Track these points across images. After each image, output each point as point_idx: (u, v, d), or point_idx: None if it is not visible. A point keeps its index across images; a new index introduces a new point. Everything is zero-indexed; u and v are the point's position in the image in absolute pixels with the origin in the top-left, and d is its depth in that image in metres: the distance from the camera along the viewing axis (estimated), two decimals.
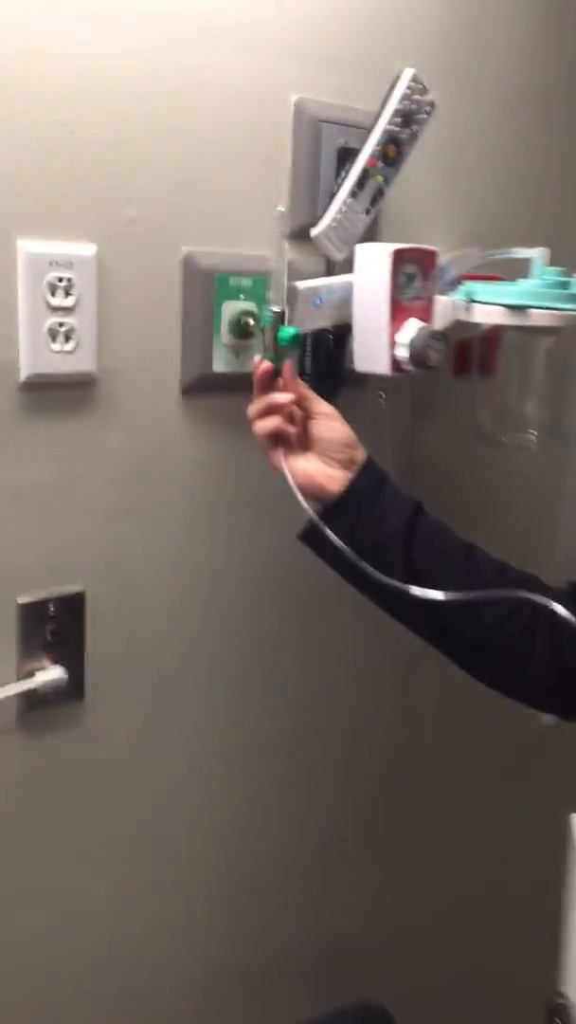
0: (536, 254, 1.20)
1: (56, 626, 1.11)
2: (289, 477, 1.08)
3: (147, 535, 1.18)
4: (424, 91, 1.19)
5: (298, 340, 1.09)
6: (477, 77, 1.39)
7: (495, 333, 1.33)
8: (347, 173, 1.18)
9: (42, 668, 1.11)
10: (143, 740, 1.23)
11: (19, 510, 1.07)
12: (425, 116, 1.21)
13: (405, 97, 1.17)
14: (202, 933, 1.36)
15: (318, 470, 1.09)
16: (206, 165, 1.13)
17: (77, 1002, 1.24)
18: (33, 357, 1.04)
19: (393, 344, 1.16)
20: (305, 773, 1.43)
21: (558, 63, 1.47)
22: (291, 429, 1.08)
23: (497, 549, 1.12)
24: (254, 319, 1.17)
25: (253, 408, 1.09)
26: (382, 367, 1.17)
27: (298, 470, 1.08)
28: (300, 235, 1.21)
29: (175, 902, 1.32)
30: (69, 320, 1.05)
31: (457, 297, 1.23)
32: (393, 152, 1.19)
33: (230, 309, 1.16)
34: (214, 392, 1.19)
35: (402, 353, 1.15)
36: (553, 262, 1.21)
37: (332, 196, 1.17)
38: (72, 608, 1.13)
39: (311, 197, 1.21)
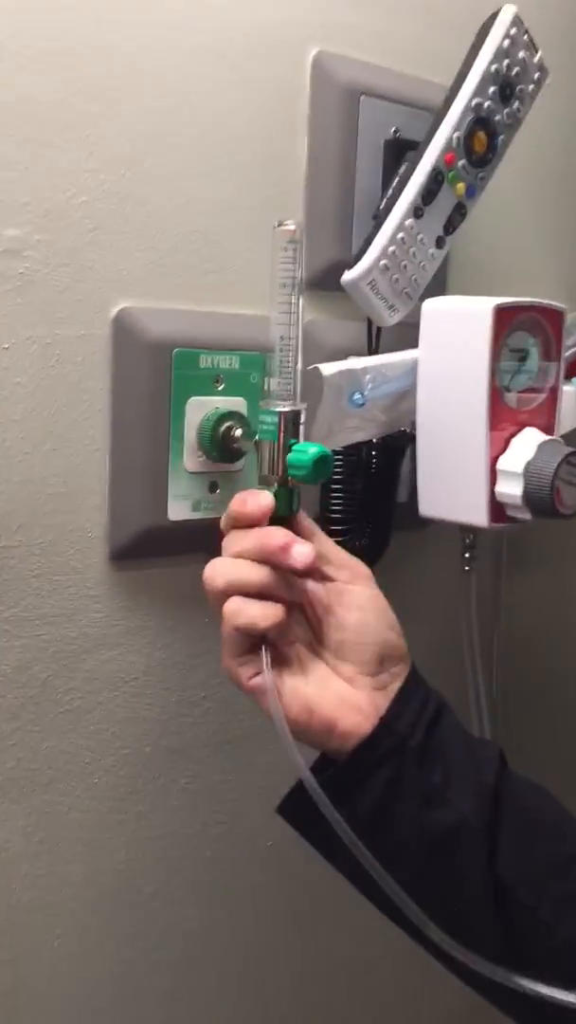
0: None
1: None
2: (273, 708, 0.57)
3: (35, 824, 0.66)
4: (532, 47, 0.72)
5: (325, 467, 0.59)
6: None
7: None
8: (403, 179, 0.69)
9: None
10: None
11: None
12: (534, 87, 0.73)
13: (503, 53, 0.69)
14: None
15: (331, 694, 0.59)
16: (154, 162, 0.64)
17: None
18: None
19: (494, 475, 0.66)
20: None
21: None
22: (281, 619, 0.57)
23: None
24: (243, 427, 0.67)
25: (224, 559, 0.59)
26: (473, 513, 0.67)
27: (293, 696, 0.59)
28: (324, 282, 0.72)
29: None
30: None
31: None
32: (483, 143, 0.71)
33: (200, 410, 0.67)
34: (170, 555, 0.69)
35: (510, 490, 0.65)
36: None
37: (377, 216, 0.69)
38: None
39: (342, 217, 0.73)
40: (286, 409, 0.59)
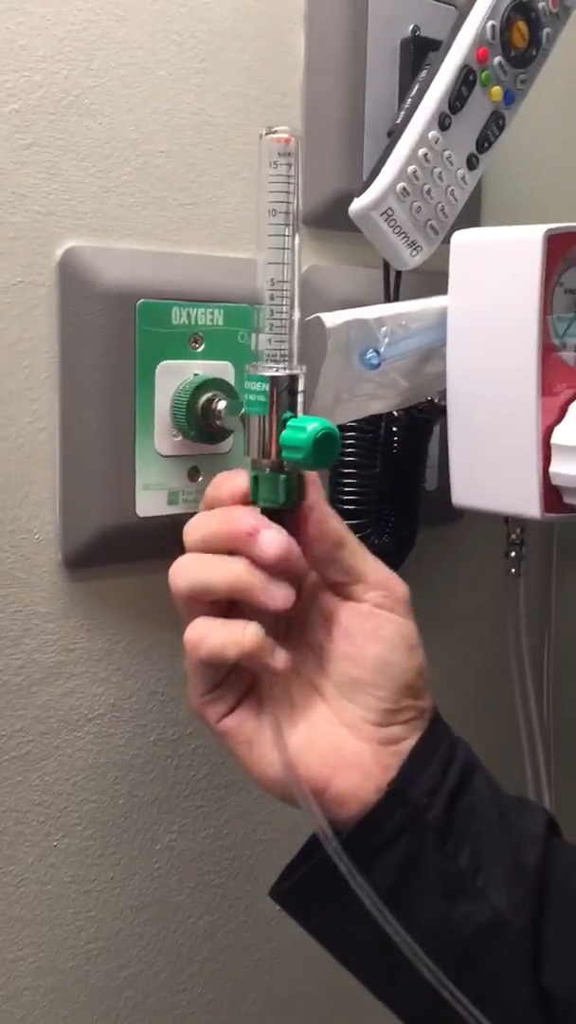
0: None
1: None
2: (284, 763, 0.46)
3: None
4: None
5: (330, 448, 0.46)
6: None
7: None
8: (424, 84, 0.56)
9: None
10: None
11: None
12: None
13: None
14: None
15: (324, 745, 0.47)
16: (106, 60, 0.51)
17: None
18: None
19: (547, 451, 0.52)
20: None
21: None
22: (257, 645, 0.45)
23: None
24: (228, 399, 0.54)
25: (189, 556, 0.47)
26: (522, 502, 0.53)
27: (269, 744, 0.47)
28: (328, 218, 0.59)
29: None
30: None
31: None
32: (524, 36, 0.57)
33: (173, 378, 0.54)
34: (140, 560, 0.56)
35: (570, 470, 0.52)
36: None
37: (393, 133, 0.56)
38: None
39: (349, 135, 0.59)
40: (279, 373, 0.46)
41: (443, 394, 0.59)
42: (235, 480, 0.46)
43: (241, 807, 0.63)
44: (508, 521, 0.63)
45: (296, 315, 0.47)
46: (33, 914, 0.55)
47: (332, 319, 0.51)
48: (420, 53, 0.60)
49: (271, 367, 0.46)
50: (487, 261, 0.53)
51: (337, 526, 0.48)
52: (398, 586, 0.49)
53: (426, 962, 0.45)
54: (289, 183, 0.46)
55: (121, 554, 0.55)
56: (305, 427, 0.45)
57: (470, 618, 0.75)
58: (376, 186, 0.54)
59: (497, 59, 0.56)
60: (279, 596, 0.45)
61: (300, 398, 0.47)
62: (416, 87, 0.57)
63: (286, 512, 0.46)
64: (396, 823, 0.46)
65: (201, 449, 0.55)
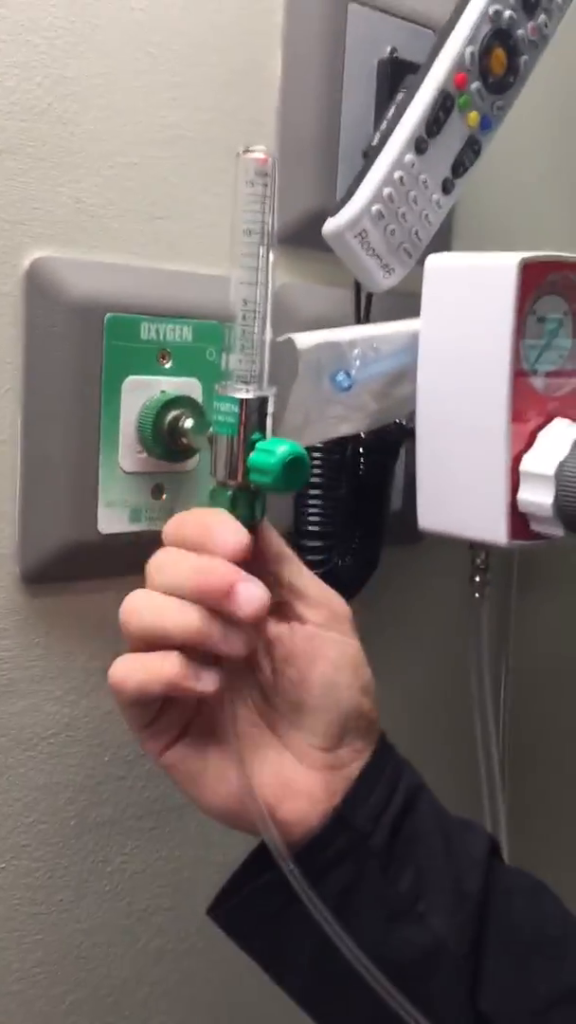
0: None
1: None
2: (245, 789, 0.46)
3: None
4: None
5: (299, 472, 0.45)
6: None
7: None
8: (401, 107, 0.56)
9: None
10: None
11: None
12: None
13: None
14: None
15: (270, 773, 0.47)
16: (79, 69, 0.51)
17: None
18: None
19: (515, 478, 0.53)
20: None
21: None
22: (181, 678, 0.44)
23: None
24: (195, 418, 0.53)
25: (146, 594, 0.45)
26: (488, 527, 0.54)
27: (218, 776, 0.47)
28: (301, 236, 0.59)
29: None
30: None
31: None
32: (502, 63, 0.58)
33: (140, 394, 0.53)
34: (101, 577, 0.55)
35: (537, 498, 0.52)
36: None
37: (369, 154, 0.56)
38: None
39: (324, 155, 0.59)
40: (248, 395, 0.46)
41: (411, 416, 0.59)
42: (236, 535, 0.44)
43: (195, 829, 0.63)
44: (473, 546, 0.63)
45: (268, 335, 0.47)
46: None
47: (304, 340, 0.51)
48: (397, 75, 0.60)
49: (241, 388, 0.46)
50: (461, 286, 0.53)
51: (279, 543, 0.48)
52: (339, 604, 0.49)
53: (376, 977, 0.45)
54: (265, 203, 0.46)
55: (81, 571, 0.54)
56: (274, 450, 0.45)
57: (430, 638, 0.75)
58: (350, 207, 0.54)
59: (475, 85, 0.56)
60: (239, 645, 0.44)
61: (269, 420, 0.47)
62: (393, 109, 0.57)
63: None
64: (340, 847, 0.46)
65: (166, 467, 0.54)
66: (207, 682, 0.44)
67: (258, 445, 0.46)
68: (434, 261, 0.55)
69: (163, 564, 0.45)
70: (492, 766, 0.72)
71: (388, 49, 0.61)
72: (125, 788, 0.59)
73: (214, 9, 0.55)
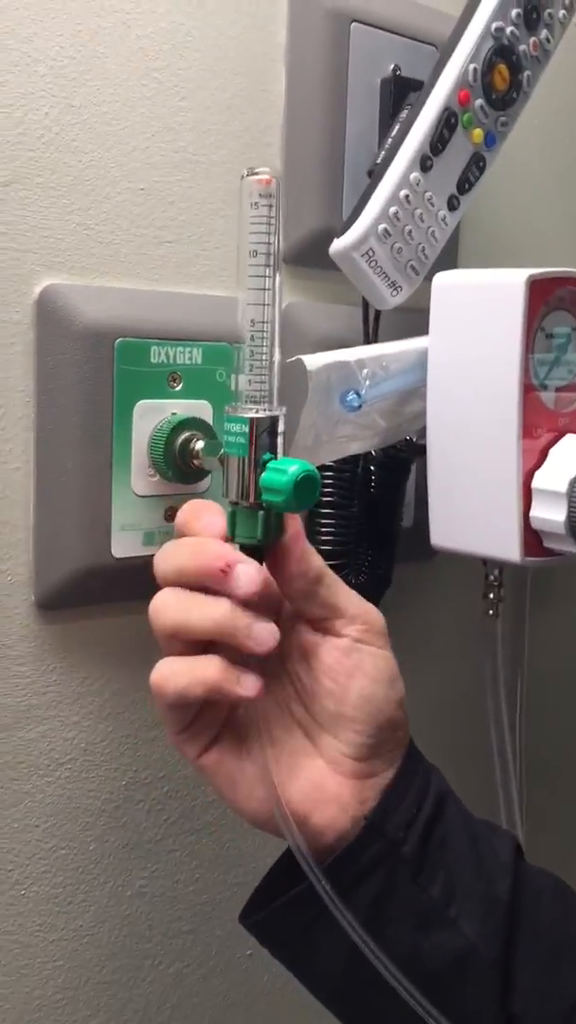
0: None
1: None
2: (276, 803, 0.47)
3: None
4: None
5: (310, 491, 0.46)
6: None
7: None
8: (406, 125, 0.57)
9: None
10: None
11: None
12: (565, 14, 0.60)
13: None
14: None
15: (304, 780, 0.48)
16: (87, 98, 0.52)
17: None
18: None
19: (528, 495, 0.53)
20: None
21: None
22: (222, 682, 0.45)
23: None
24: (206, 439, 0.54)
25: (173, 592, 0.46)
26: (501, 545, 0.54)
27: (255, 781, 0.47)
28: (308, 255, 0.59)
29: None
30: None
31: None
32: (505, 79, 0.58)
33: (151, 417, 0.54)
34: (115, 601, 0.55)
35: (550, 515, 0.52)
36: None
37: (374, 173, 0.56)
38: None
39: (329, 174, 0.60)
40: (258, 415, 0.46)
41: (421, 433, 0.60)
42: (211, 514, 0.46)
43: (213, 850, 0.63)
44: (487, 563, 0.64)
45: (276, 356, 0.47)
46: (1, 964, 0.54)
47: (313, 361, 0.52)
48: (400, 92, 0.61)
49: (251, 408, 0.47)
50: (469, 303, 0.54)
51: (316, 562, 0.48)
52: (376, 618, 0.50)
53: (407, 987, 0.45)
54: (270, 224, 0.47)
55: (96, 595, 0.54)
56: (286, 470, 0.46)
57: (445, 655, 0.75)
58: (357, 227, 0.55)
59: (479, 102, 0.57)
60: (265, 639, 0.45)
61: (280, 440, 0.47)
62: (397, 127, 0.58)
63: (264, 548, 0.47)
64: (372, 856, 0.47)
65: (178, 489, 0.55)
66: (248, 686, 0.45)
67: (269, 465, 0.46)
68: (442, 279, 0.55)
69: (165, 554, 0.46)
70: (509, 782, 0.73)
71: (391, 67, 0.61)
72: (143, 811, 0.59)
73: (218, 33, 0.56)
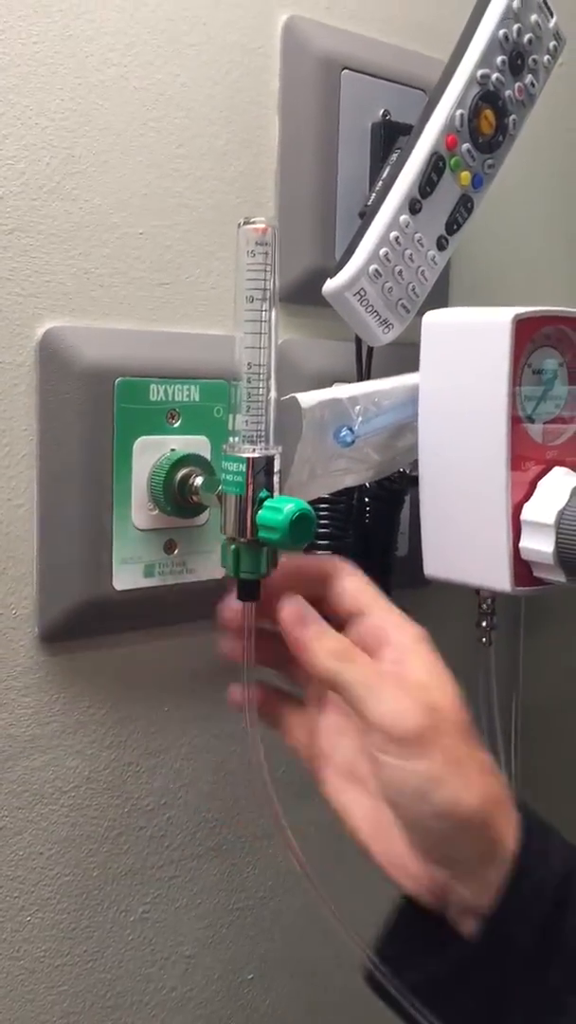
0: None
1: None
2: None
3: None
4: (547, 10, 0.62)
5: (305, 528, 0.48)
6: None
7: None
8: (396, 168, 0.59)
9: None
10: None
11: None
12: (549, 59, 0.63)
13: (512, 16, 0.60)
14: None
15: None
16: (87, 148, 0.54)
17: None
18: None
19: (517, 526, 0.55)
20: None
21: None
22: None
23: None
24: (204, 475, 0.56)
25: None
26: (492, 575, 0.56)
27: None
28: (302, 293, 0.62)
29: None
30: None
31: None
32: (491, 123, 0.61)
33: (151, 453, 0.56)
34: (117, 632, 0.58)
35: (539, 546, 0.54)
36: None
37: (365, 214, 0.59)
38: None
39: (322, 216, 0.62)
40: (255, 455, 0.48)
41: (414, 465, 0.61)
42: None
43: (213, 877, 0.65)
44: (480, 592, 0.66)
45: (272, 395, 0.50)
46: (6, 991, 0.56)
47: (307, 399, 0.54)
48: (390, 136, 0.63)
49: (248, 448, 0.49)
50: (458, 342, 0.56)
51: (322, 663, 0.47)
52: (399, 721, 0.45)
53: None
54: (266, 270, 0.49)
55: (98, 627, 0.56)
56: (282, 508, 0.48)
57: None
58: (349, 268, 0.57)
59: (466, 146, 0.59)
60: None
61: (276, 478, 0.49)
62: (387, 170, 0.60)
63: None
64: (489, 951, 0.45)
65: (177, 522, 0.57)
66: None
67: (266, 503, 0.48)
68: (431, 318, 0.58)
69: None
70: None
71: (381, 111, 0.64)
72: (145, 838, 0.61)
73: (212, 83, 0.58)
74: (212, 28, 0.57)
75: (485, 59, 0.59)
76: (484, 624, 0.65)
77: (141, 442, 0.55)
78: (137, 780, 0.60)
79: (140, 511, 0.56)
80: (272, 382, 0.49)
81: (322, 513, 0.62)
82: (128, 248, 0.55)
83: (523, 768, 0.80)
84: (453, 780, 0.44)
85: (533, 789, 0.83)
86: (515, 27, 0.60)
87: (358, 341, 0.63)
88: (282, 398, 0.54)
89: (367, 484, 0.62)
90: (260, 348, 0.49)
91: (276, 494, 0.49)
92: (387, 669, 0.46)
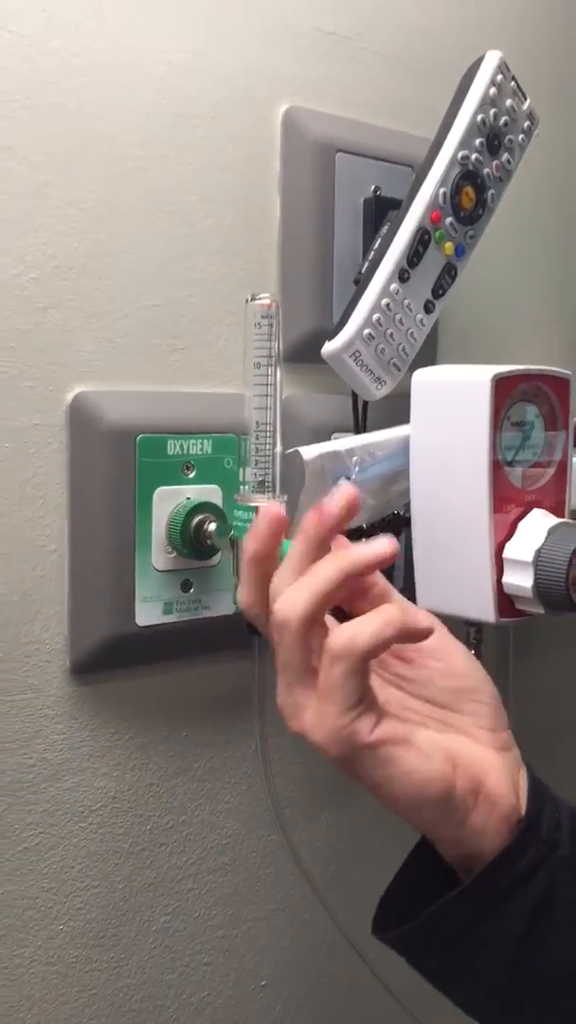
0: None
1: None
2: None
3: None
4: (520, 94, 0.69)
5: None
6: None
7: None
8: (386, 240, 0.66)
9: None
10: None
11: None
12: (523, 138, 0.70)
13: (489, 101, 0.67)
14: None
15: (467, 745, 0.50)
16: (109, 232, 0.61)
17: None
18: None
19: (500, 564, 0.61)
20: None
21: None
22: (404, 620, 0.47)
23: None
24: (218, 521, 0.62)
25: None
26: (478, 607, 0.62)
27: (430, 743, 0.48)
28: (303, 353, 0.69)
29: None
30: None
31: None
32: (471, 199, 0.68)
33: (168, 501, 0.62)
34: (139, 664, 0.64)
35: (520, 581, 0.61)
36: None
37: (359, 281, 0.65)
38: None
39: (320, 283, 0.69)
40: (263, 504, 0.55)
41: (407, 507, 0.68)
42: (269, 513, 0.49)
43: (228, 889, 0.70)
44: (467, 623, 0.72)
45: (278, 449, 0.56)
46: (41, 993, 0.62)
47: (309, 452, 0.61)
48: (381, 210, 0.70)
49: (256, 497, 0.55)
50: (444, 398, 0.63)
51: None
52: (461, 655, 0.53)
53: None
54: (271, 339, 0.56)
55: (122, 660, 0.63)
56: (286, 550, 0.54)
57: None
58: (345, 333, 0.64)
59: (449, 220, 0.66)
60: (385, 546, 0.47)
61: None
62: (379, 241, 0.67)
63: None
64: (529, 861, 0.47)
65: (193, 563, 0.63)
66: (424, 620, 0.48)
67: None
68: (420, 376, 0.64)
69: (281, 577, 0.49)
70: None
71: (372, 188, 0.71)
72: (166, 854, 0.67)
73: (220, 169, 0.65)
74: (219, 121, 0.65)
75: (464, 142, 0.66)
76: (472, 653, 0.71)
77: (160, 492, 0.62)
78: (158, 800, 0.66)
79: (159, 554, 0.62)
80: (278, 436, 0.56)
81: None
82: (146, 319, 0.62)
83: None
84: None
85: None
86: (491, 112, 0.67)
87: (354, 395, 0.70)
88: (286, 451, 0.61)
89: (364, 525, 0.69)
90: (267, 408, 0.55)
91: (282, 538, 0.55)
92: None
